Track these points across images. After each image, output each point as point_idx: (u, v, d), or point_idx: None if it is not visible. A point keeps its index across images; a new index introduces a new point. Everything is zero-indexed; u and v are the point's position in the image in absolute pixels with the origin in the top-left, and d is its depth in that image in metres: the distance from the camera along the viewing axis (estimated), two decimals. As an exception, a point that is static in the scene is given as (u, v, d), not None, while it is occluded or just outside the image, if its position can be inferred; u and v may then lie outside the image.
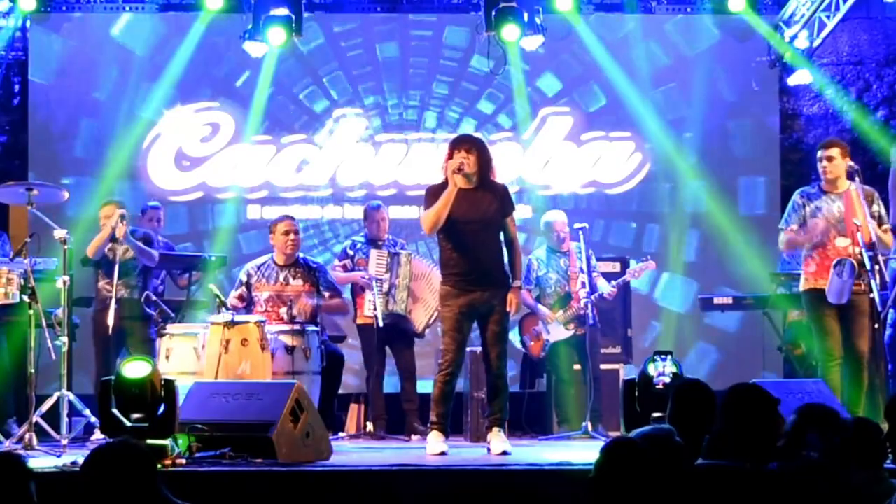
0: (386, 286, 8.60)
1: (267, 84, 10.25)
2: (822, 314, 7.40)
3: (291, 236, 8.22)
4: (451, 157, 7.11)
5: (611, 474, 3.55)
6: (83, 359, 8.64)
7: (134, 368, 6.10)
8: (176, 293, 9.20)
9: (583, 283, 8.58)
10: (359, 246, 8.87)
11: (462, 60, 10.46)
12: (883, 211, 7.51)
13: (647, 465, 3.49)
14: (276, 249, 8.28)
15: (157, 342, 7.92)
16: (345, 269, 8.78)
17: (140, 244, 8.22)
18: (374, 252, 8.75)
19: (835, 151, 7.50)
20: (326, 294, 8.22)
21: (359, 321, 8.76)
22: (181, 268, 9.19)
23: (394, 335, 8.71)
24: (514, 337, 9.04)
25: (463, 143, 7.20)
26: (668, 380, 6.25)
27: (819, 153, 7.57)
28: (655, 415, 5.84)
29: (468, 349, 7.81)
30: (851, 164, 7.51)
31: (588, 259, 8.70)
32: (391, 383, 8.96)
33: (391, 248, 8.81)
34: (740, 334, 10.12)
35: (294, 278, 8.21)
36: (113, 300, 7.82)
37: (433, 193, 7.17)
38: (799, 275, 8.10)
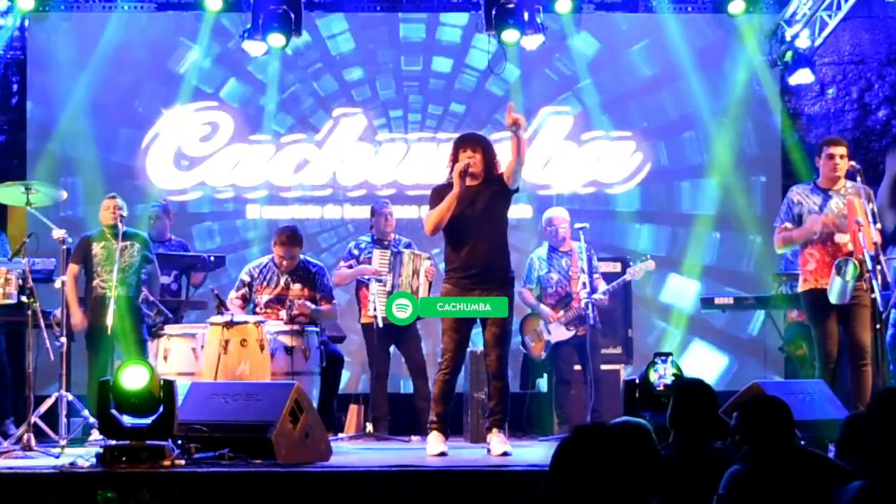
0: (389, 285, 8.56)
1: (267, 83, 10.23)
2: (823, 316, 7.36)
3: (285, 262, 8.21)
4: (455, 156, 7.02)
5: (574, 465, 3.44)
6: (81, 359, 8.61)
7: (132, 377, 5.99)
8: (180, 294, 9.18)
9: (584, 284, 8.55)
10: (363, 245, 8.85)
11: (461, 58, 10.44)
12: (876, 210, 7.48)
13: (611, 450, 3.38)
14: (275, 255, 8.27)
15: (151, 343, 7.89)
16: (350, 269, 8.76)
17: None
18: (377, 252, 8.73)
19: (843, 150, 7.51)
20: (319, 297, 8.20)
21: (363, 320, 8.73)
22: (179, 268, 9.15)
23: (399, 335, 8.66)
24: (516, 338, 9.02)
25: (468, 143, 7.08)
26: (668, 382, 6.21)
27: (829, 150, 7.50)
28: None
29: (469, 349, 7.78)
30: (853, 163, 7.50)
31: (590, 259, 8.67)
32: (403, 384, 8.92)
33: (395, 247, 8.77)
34: (742, 335, 10.08)
35: (294, 283, 8.20)
36: (112, 300, 7.80)
37: (438, 193, 7.08)
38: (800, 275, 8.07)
